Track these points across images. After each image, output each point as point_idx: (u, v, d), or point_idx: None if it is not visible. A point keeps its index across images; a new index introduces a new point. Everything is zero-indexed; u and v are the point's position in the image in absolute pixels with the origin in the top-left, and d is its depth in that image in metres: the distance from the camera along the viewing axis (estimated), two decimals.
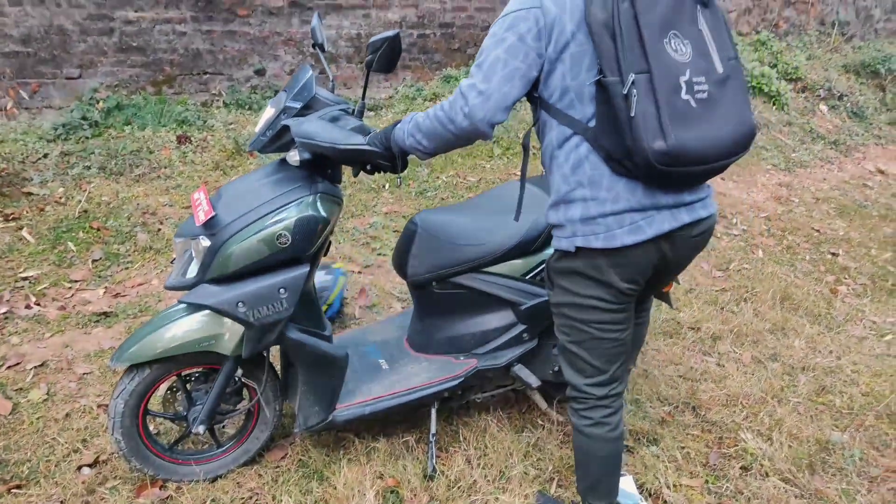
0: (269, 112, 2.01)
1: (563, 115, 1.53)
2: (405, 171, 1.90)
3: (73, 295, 3.16)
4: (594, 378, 1.71)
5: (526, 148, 1.67)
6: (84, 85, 4.87)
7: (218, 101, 5.35)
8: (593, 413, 1.74)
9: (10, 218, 3.57)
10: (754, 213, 4.82)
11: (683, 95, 1.39)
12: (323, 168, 2.00)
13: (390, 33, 1.93)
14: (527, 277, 2.22)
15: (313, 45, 2.15)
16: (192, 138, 4.69)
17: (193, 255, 1.92)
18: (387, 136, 1.73)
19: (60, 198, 3.81)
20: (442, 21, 6.21)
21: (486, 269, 2.20)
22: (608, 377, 1.71)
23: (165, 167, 4.34)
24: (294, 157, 1.95)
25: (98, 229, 3.58)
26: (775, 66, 6.96)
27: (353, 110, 2.06)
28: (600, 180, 1.52)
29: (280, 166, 2.02)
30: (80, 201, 3.77)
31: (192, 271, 1.90)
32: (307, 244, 1.93)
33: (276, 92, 5.64)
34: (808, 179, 5.67)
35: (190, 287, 1.90)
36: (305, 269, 1.95)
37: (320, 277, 3.01)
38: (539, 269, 2.21)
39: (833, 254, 4.24)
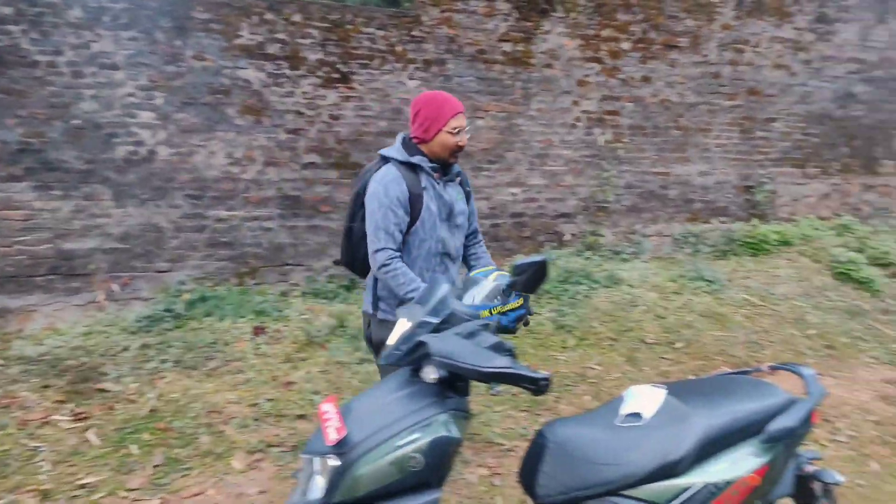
0: (403, 325, 1.95)
1: None
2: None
3: None
4: None
5: None
6: (172, 278, 5.13)
7: (296, 290, 5.51)
8: None
9: (79, 417, 3.58)
10: (861, 416, 4.34)
11: None
12: (454, 382, 1.89)
13: (538, 258, 2.00)
14: None
15: None
16: (267, 329, 4.77)
17: (317, 472, 1.78)
18: None
19: (132, 394, 3.84)
20: (513, 211, 6.36)
21: (624, 493, 1.94)
22: None
23: (238, 360, 4.37)
24: (431, 374, 1.84)
25: (164, 430, 3.54)
26: (861, 250, 6.67)
27: (490, 325, 2.01)
28: None
29: (410, 379, 1.92)
30: (150, 398, 3.79)
31: (316, 491, 1.75)
32: (439, 468, 1.78)
33: (353, 280, 5.80)
34: None
35: None
36: (437, 494, 1.77)
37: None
38: (685, 495, 1.92)
39: None
